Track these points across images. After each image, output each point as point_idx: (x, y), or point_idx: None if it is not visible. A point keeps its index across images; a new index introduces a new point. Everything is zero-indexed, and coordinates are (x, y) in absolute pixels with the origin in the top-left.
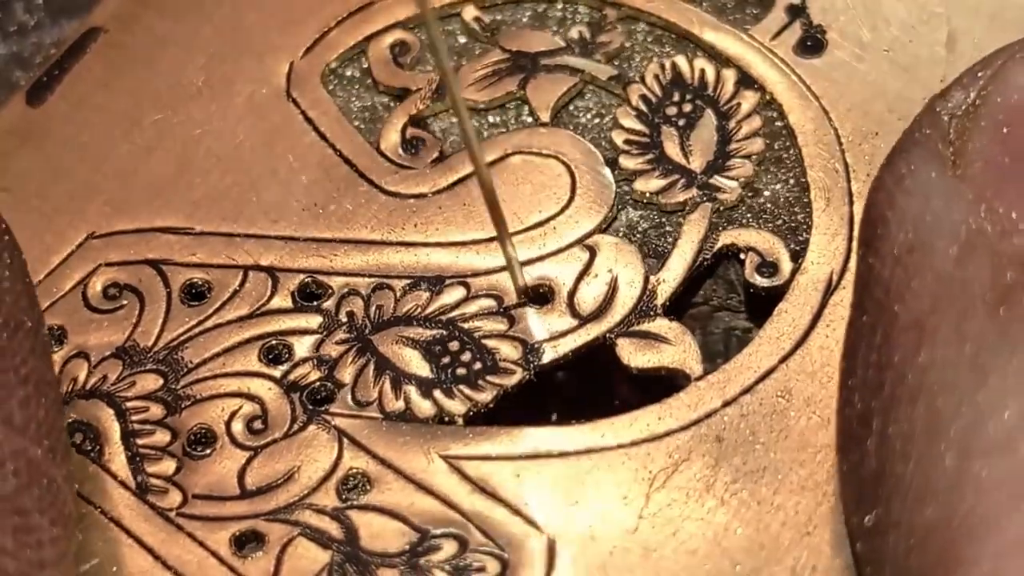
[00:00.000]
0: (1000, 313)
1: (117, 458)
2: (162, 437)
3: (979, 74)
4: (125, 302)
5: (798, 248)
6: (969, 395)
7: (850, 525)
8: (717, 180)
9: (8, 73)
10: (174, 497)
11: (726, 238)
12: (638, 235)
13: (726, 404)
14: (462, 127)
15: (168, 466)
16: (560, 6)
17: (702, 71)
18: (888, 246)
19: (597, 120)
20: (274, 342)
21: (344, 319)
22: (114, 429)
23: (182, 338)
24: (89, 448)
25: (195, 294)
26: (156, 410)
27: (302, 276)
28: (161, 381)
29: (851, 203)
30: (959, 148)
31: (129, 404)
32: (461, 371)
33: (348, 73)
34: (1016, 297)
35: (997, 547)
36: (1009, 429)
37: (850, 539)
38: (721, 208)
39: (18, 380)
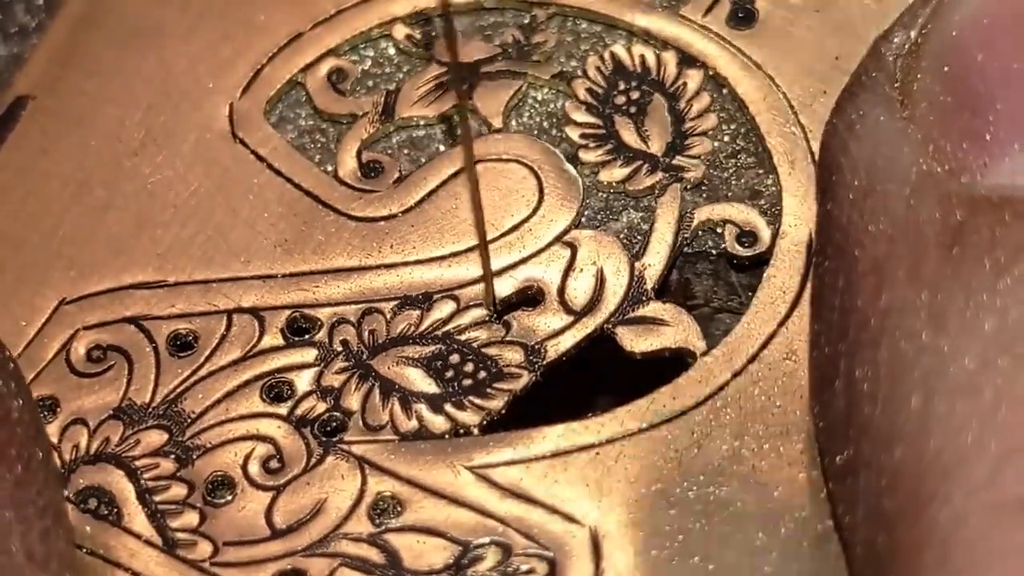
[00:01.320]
0: (953, 254)
1: (137, 518)
2: (179, 491)
3: (918, 12)
4: (112, 363)
5: (773, 214)
6: (930, 339)
7: (823, 465)
8: (680, 160)
9: (9, 75)
10: (204, 548)
11: (701, 215)
12: (613, 225)
13: (736, 375)
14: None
15: (191, 518)
16: (488, 15)
17: (642, 57)
18: (844, 192)
19: (548, 119)
20: (274, 380)
21: (339, 348)
22: (128, 489)
23: (179, 390)
24: (106, 512)
25: (182, 345)
26: (167, 465)
27: (288, 312)
28: (166, 435)
29: (815, 163)
30: (905, 88)
31: (138, 463)
32: (467, 382)
33: (289, 107)
34: (967, 237)
35: (967, 487)
36: (971, 372)
37: (824, 478)
38: (689, 187)
39: (36, 513)
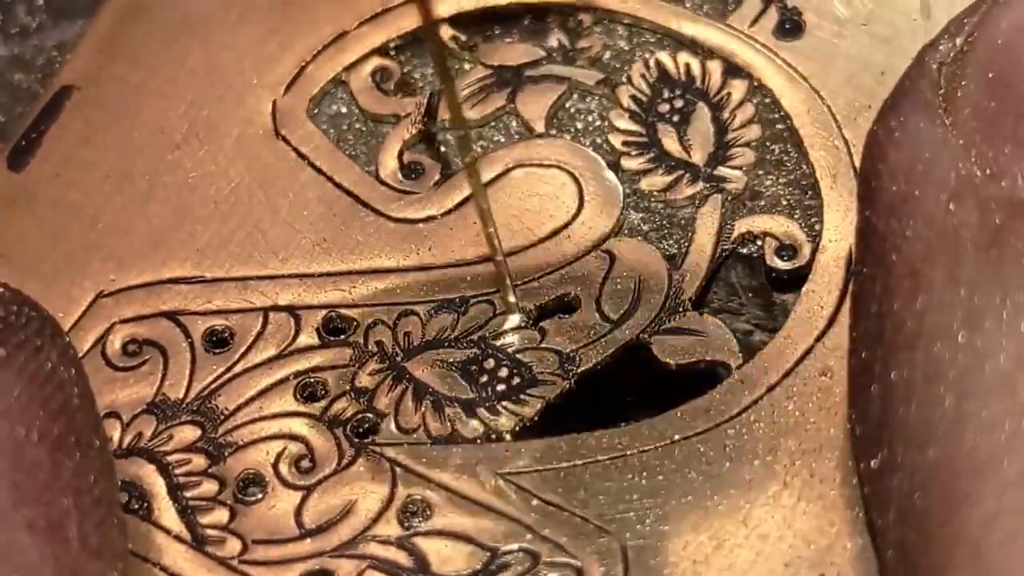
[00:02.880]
0: (991, 256)
1: (167, 513)
2: (210, 487)
3: (965, 21)
4: (147, 357)
5: (813, 228)
6: (965, 339)
7: (859, 470)
8: (722, 171)
9: (10, 75)
10: (233, 545)
11: (741, 226)
12: (653, 234)
13: (770, 389)
14: (462, 147)
15: (221, 515)
16: (533, 19)
17: (687, 65)
18: (882, 198)
19: (591, 125)
20: (307, 380)
21: (374, 349)
22: (159, 485)
23: (213, 386)
24: (136, 507)
25: (217, 341)
26: (199, 461)
27: (324, 311)
28: (199, 431)
29: (857, 178)
30: (948, 95)
31: (170, 458)
32: (501, 387)
33: (333, 105)
34: (1005, 239)
35: (998, 485)
36: (1006, 371)
37: (860, 484)
38: (730, 198)
39: (92, 501)
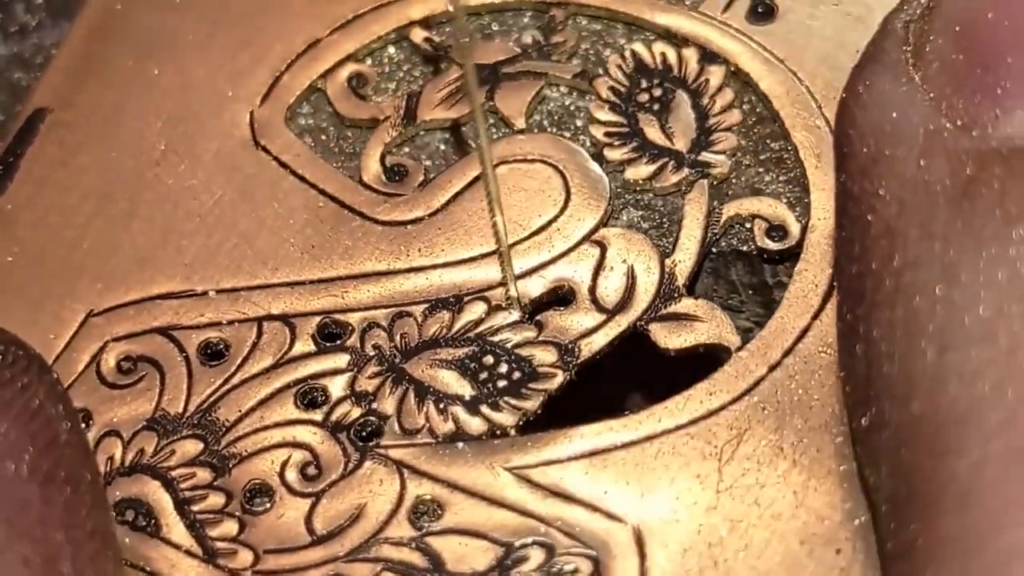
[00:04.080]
0: (963, 208)
1: (176, 528)
2: (216, 500)
3: None
4: (143, 373)
5: (801, 208)
6: (943, 292)
7: (851, 430)
8: (705, 156)
9: (9, 74)
10: (245, 557)
11: (729, 210)
12: (642, 222)
13: (772, 369)
14: (479, 133)
15: (230, 527)
16: (506, 16)
17: (663, 54)
18: (854, 161)
19: (571, 118)
20: (307, 387)
21: (372, 352)
22: (165, 500)
23: (212, 399)
24: (144, 524)
25: (213, 354)
26: (204, 474)
27: (318, 318)
28: (201, 445)
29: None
30: (917, 51)
31: (174, 473)
32: (502, 383)
33: (311, 113)
34: (977, 190)
35: (982, 433)
36: (985, 321)
37: (852, 444)
38: (716, 183)
39: (85, 535)
